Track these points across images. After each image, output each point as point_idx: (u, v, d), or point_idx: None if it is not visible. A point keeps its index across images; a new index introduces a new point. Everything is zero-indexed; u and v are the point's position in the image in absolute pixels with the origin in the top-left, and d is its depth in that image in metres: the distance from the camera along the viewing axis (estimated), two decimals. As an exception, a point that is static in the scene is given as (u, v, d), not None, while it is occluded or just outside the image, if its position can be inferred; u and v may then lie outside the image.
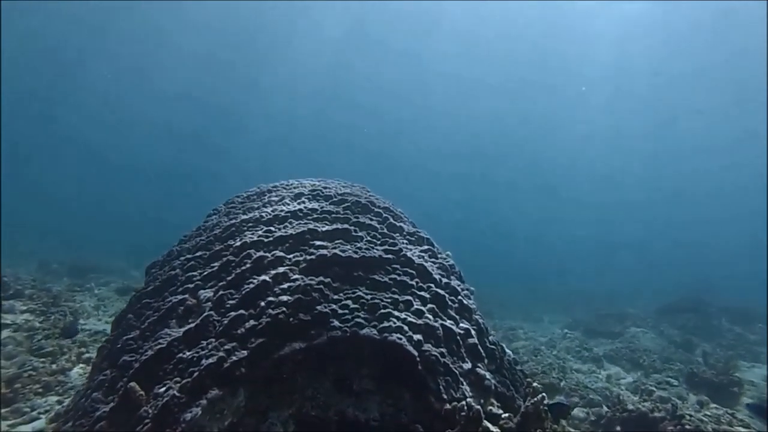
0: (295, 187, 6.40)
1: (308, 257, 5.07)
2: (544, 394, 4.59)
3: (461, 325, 4.93)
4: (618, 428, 6.36)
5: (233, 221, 5.83)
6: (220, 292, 4.99)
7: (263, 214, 5.76)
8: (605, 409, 7.09)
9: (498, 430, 4.32)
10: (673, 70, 44.53)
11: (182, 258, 5.68)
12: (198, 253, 5.61)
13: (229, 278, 5.10)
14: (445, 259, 5.80)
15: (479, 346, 4.91)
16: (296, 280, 4.84)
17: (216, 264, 5.35)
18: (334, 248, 5.12)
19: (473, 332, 4.96)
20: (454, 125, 61.42)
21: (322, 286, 4.75)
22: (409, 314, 4.64)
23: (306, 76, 54.53)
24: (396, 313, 4.59)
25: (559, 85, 52.56)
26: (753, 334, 15.75)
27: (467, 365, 4.68)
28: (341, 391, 4.50)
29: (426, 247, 5.71)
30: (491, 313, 19.48)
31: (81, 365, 7.48)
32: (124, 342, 5.03)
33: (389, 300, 4.72)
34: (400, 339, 4.37)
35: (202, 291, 5.17)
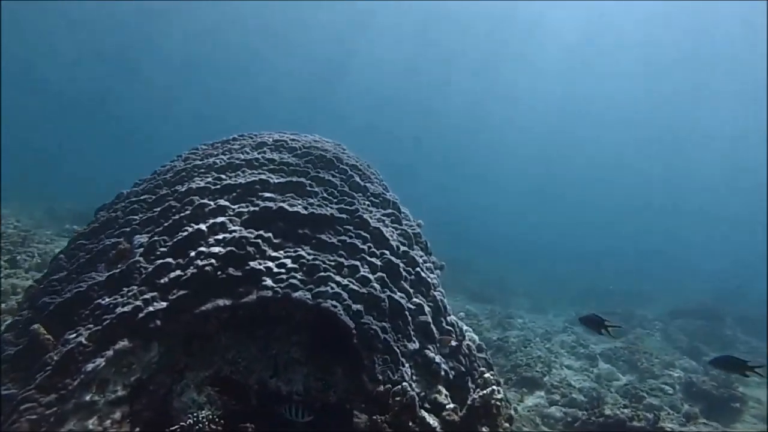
0: (260, 137, 5.91)
1: (253, 209, 4.60)
2: (494, 387, 4.07)
3: (414, 300, 4.42)
4: (589, 434, 5.82)
5: (186, 166, 5.39)
6: (154, 238, 4.58)
7: (217, 161, 5.31)
8: (582, 412, 6.52)
9: (436, 422, 3.83)
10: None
11: (127, 201, 5.28)
12: (143, 197, 5.21)
13: (166, 224, 4.68)
14: (411, 226, 5.26)
15: (432, 326, 4.41)
16: (233, 231, 4.38)
17: (158, 209, 4.94)
18: (283, 202, 4.64)
19: (427, 309, 4.45)
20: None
21: (260, 241, 4.29)
22: (353, 281, 4.15)
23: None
24: (337, 278, 4.10)
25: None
26: (769, 347, 14.86)
27: (413, 345, 4.19)
28: (267, 357, 4.07)
29: (390, 210, 5.17)
30: (493, 299, 18.86)
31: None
32: (48, 283, 4.68)
33: (333, 263, 4.24)
34: (335, 307, 3.89)
35: (137, 236, 4.77)
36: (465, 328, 5.38)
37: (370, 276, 4.24)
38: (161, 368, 3.96)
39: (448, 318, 4.66)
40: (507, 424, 4.25)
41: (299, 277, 4.11)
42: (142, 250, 4.55)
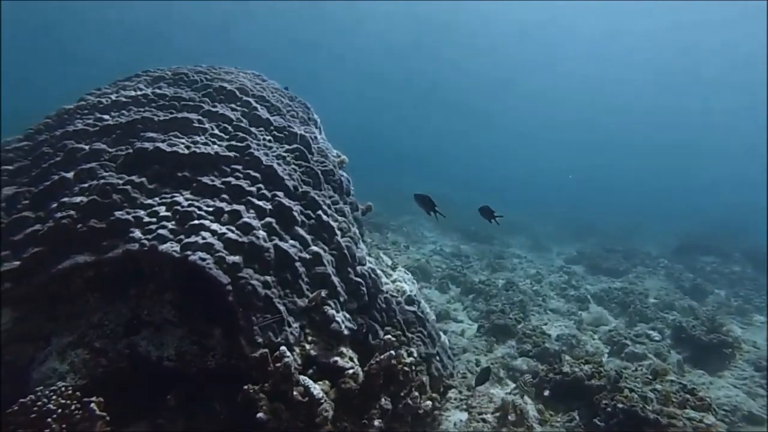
0: (162, 71, 5.24)
1: (128, 151, 4.01)
2: (392, 352, 3.56)
3: (312, 248, 3.88)
4: (546, 393, 5.34)
5: (70, 108, 4.79)
6: (21, 190, 4.06)
7: (103, 100, 4.72)
8: (542, 366, 6.02)
9: (321, 392, 3.35)
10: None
11: (4, 150, 4.73)
12: (21, 144, 4.66)
13: (34, 173, 4.14)
14: (322, 163, 4.62)
15: (333, 278, 3.90)
16: (102, 178, 3.82)
17: (31, 156, 4.38)
18: (163, 142, 4.04)
19: (327, 259, 3.92)
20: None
21: (129, 187, 3.76)
22: (232, 229, 3.62)
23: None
24: (213, 227, 3.57)
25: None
26: (779, 285, 14.16)
27: (306, 301, 3.66)
28: (138, 319, 3.61)
29: (295, 146, 4.54)
30: (492, 238, 18.24)
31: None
32: None
33: (211, 209, 3.70)
34: (204, 260, 3.38)
35: (6, 188, 4.25)
36: (395, 277, 4.86)
37: (255, 222, 3.70)
38: (17, 336, 3.55)
39: (358, 268, 4.11)
40: (416, 393, 3.78)
41: (170, 226, 3.61)
42: (4, 204, 4.06)
